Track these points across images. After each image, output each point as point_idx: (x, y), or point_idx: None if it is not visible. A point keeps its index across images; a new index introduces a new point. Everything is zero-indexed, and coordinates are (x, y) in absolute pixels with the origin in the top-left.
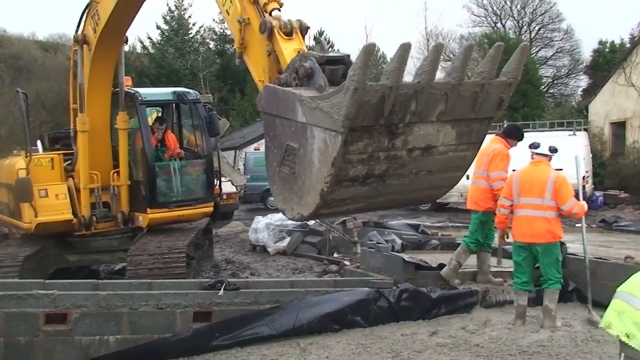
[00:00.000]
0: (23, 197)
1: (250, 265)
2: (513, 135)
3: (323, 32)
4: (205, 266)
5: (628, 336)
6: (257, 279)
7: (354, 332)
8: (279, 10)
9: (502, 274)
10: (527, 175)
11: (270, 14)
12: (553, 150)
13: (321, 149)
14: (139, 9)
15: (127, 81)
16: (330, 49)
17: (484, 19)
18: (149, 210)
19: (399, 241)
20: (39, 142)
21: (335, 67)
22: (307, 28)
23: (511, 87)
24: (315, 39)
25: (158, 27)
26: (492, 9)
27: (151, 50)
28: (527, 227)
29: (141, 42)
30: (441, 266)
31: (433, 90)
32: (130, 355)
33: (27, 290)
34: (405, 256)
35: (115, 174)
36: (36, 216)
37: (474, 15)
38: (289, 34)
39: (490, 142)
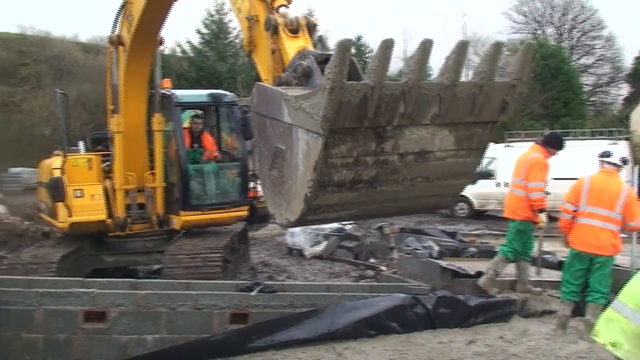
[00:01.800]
0: (56, 197)
1: (286, 269)
2: (553, 144)
3: (361, 37)
4: (242, 269)
5: (614, 345)
6: (294, 282)
7: (390, 338)
8: (287, 7)
9: (541, 284)
10: (599, 184)
11: (277, 11)
12: (624, 161)
13: (305, 151)
14: (169, 9)
15: (166, 83)
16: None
17: (524, 25)
18: (182, 212)
19: (436, 248)
20: (81, 143)
21: None
22: (315, 25)
23: (515, 89)
24: (318, 37)
25: (198, 32)
26: (532, 15)
27: (191, 54)
28: (594, 237)
29: (180, 46)
30: (479, 274)
31: (423, 91)
32: (167, 355)
33: (67, 288)
34: (443, 263)
35: (150, 176)
36: (70, 216)
37: (514, 22)
38: (294, 31)
39: (529, 150)
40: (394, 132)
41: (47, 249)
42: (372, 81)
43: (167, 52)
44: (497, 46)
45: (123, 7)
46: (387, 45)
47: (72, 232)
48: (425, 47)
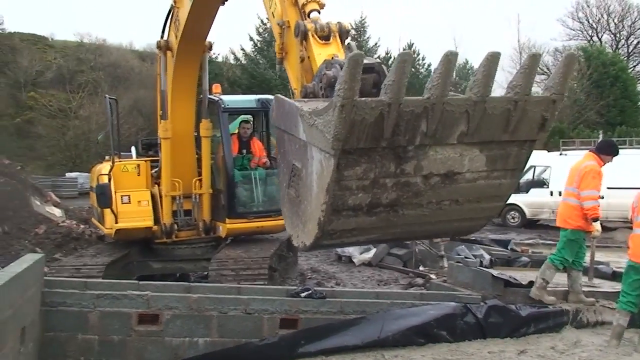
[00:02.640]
0: (102, 203)
1: (335, 275)
2: (607, 151)
3: (412, 44)
4: (291, 275)
5: None
6: (343, 288)
7: (439, 347)
8: (319, 12)
9: (594, 294)
10: None
11: (308, 16)
12: None
13: (318, 172)
14: (214, 13)
15: (216, 88)
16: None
17: (580, 32)
18: (227, 220)
19: (487, 257)
20: (133, 148)
21: (365, 75)
22: (348, 31)
23: (555, 104)
24: (347, 44)
25: (251, 39)
26: (588, 22)
27: (243, 61)
28: None
29: (233, 53)
30: (531, 284)
31: (449, 108)
32: (218, 358)
33: (122, 290)
34: (494, 272)
35: (197, 182)
36: (116, 222)
37: (569, 28)
38: (325, 38)
39: (583, 158)
40: (415, 152)
41: (94, 256)
42: (388, 97)
43: (219, 59)
44: (534, 58)
45: (171, 12)
46: (405, 59)
47: (118, 238)
48: (449, 59)
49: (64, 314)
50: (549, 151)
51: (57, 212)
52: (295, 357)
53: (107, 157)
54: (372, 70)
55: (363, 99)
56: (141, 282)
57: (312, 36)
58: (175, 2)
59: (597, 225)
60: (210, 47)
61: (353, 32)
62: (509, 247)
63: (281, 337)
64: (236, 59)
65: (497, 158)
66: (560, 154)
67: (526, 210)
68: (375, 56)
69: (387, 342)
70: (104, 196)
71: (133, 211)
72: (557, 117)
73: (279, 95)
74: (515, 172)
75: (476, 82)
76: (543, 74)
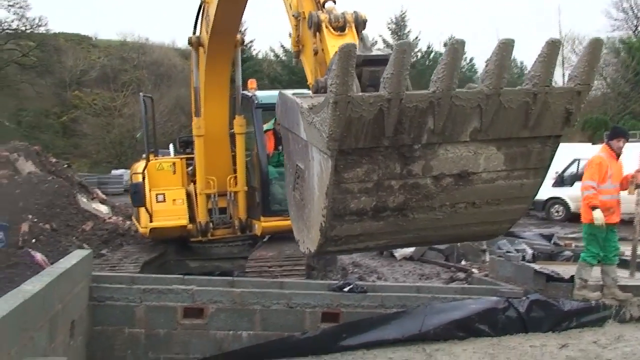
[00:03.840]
0: (136, 202)
1: (377, 270)
2: (612, 137)
3: (453, 36)
4: (333, 269)
5: None
6: (384, 283)
7: (480, 341)
8: (334, 2)
9: (629, 288)
10: None
11: (322, 7)
12: None
13: (319, 174)
14: (242, 7)
15: (251, 84)
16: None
17: (624, 22)
18: (262, 218)
19: (529, 251)
20: (171, 146)
21: (377, 68)
22: (365, 21)
23: (581, 96)
24: (360, 36)
25: (290, 35)
26: (633, 12)
27: (283, 58)
28: None
29: (273, 50)
30: (573, 278)
31: (458, 102)
32: (261, 351)
33: (168, 285)
34: (536, 266)
35: (232, 180)
36: (151, 221)
37: (613, 19)
38: (340, 29)
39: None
40: (423, 151)
41: (130, 256)
42: (387, 92)
43: (260, 55)
44: (554, 44)
45: (201, 8)
46: (403, 49)
47: (153, 237)
48: (456, 49)
49: (111, 309)
50: (593, 144)
51: (103, 208)
52: (337, 350)
53: (143, 155)
54: (384, 62)
55: (359, 94)
56: (186, 277)
57: (326, 27)
58: None
59: (596, 214)
60: (242, 42)
61: (393, 26)
62: (552, 241)
63: (323, 331)
64: (276, 55)
65: (517, 156)
66: (606, 144)
67: (570, 204)
68: (416, 50)
69: (429, 336)
70: (137, 195)
71: (168, 210)
72: (602, 109)
73: (283, 91)
74: (539, 171)
75: (488, 73)
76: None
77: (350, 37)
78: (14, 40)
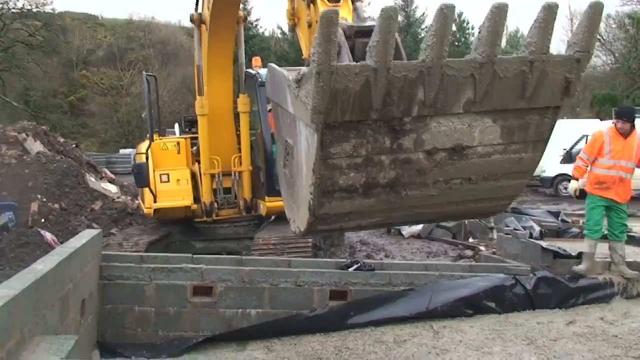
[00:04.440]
0: (139, 182)
1: (384, 248)
2: (616, 116)
3: (462, 13)
4: (340, 247)
5: None
6: (392, 261)
7: (488, 318)
8: None
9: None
10: None
11: None
12: None
13: (306, 149)
14: None
15: (255, 62)
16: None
17: None
18: (267, 198)
19: (537, 228)
20: (176, 125)
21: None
22: None
23: (580, 63)
24: (354, 6)
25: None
26: None
27: (290, 36)
28: None
29: (280, 27)
30: (580, 255)
31: (449, 72)
32: (270, 328)
33: (177, 264)
34: (544, 243)
35: (237, 159)
36: (155, 201)
37: None
38: (335, 0)
39: None
40: (414, 124)
41: (135, 236)
42: (373, 61)
43: (267, 33)
44: (550, 8)
45: None
46: (389, 15)
47: (157, 218)
48: (445, 14)
49: (121, 287)
50: (601, 119)
51: (112, 188)
52: (345, 327)
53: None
54: None
55: (344, 63)
56: (195, 256)
57: None
58: None
59: (571, 183)
60: (245, 19)
61: (400, 2)
62: (559, 218)
63: (331, 309)
64: (283, 33)
65: (515, 129)
66: (613, 123)
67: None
68: (423, 27)
69: (436, 313)
70: (140, 175)
71: (172, 190)
72: (610, 84)
73: (272, 64)
74: (538, 144)
75: (481, 40)
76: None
77: (346, 8)
78: (20, 20)
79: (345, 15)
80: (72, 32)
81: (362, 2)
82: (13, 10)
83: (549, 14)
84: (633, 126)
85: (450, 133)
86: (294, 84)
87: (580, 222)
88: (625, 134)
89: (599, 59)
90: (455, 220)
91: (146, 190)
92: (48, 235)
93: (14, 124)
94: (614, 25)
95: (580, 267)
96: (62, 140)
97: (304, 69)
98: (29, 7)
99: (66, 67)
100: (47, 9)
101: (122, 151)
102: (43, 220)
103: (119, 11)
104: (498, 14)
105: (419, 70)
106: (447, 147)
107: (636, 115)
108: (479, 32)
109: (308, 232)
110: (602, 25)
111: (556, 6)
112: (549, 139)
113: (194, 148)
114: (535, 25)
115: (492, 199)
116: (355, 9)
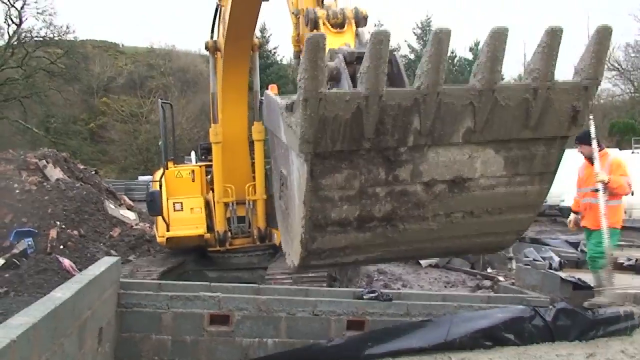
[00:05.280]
0: (152, 210)
1: (402, 277)
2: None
3: (479, 42)
4: (357, 277)
5: None
6: (410, 290)
7: (507, 350)
8: None
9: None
10: None
11: (322, 3)
12: None
13: (297, 180)
14: (256, 8)
15: (272, 89)
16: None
17: None
18: None
19: (556, 259)
20: (193, 153)
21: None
22: (366, 18)
23: (588, 91)
24: (356, 31)
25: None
26: None
27: None
28: None
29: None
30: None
31: (446, 100)
32: (287, 358)
33: (194, 292)
34: (563, 274)
35: (251, 188)
36: (168, 230)
37: None
38: (339, 25)
39: None
40: (410, 154)
41: (148, 265)
42: (364, 88)
43: (284, 61)
44: (554, 33)
45: (218, 11)
46: (380, 39)
47: (170, 246)
48: (441, 39)
49: (138, 315)
50: (620, 149)
51: (130, 215)
52: (362, 358)
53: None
54: None
55: (333, 90)
56: (212, 284)
57: (324, 24)
58: (220, 0)
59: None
60: (260, 46)
61: (418, 30)
62: (579, 249)
63: (348, 339)
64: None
65: (519, 160)
66: (632, 152)
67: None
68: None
69: (454, 345)
70: (153, 203)
71: (185, 218)
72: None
73: (268, 91)
74: (545, 177)
75: (480, 66)
76: (614, 69)
77: (350, 34)
78: (43, 48)
79: (349, 41)
80: (93, 59)
81: (364, 27)
82: (36, 38)
83: (553, 38)
84: (601, 149)
85: (449, 164)
86: (286, 111)
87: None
88: (591, 159)
89: (618, 88)
90: (458, 256)
91: (159, 218)
92: (66, 262)
93: (34, 151)
94: (633, 54)
95: (594, 301)
96: (82, 167)
97: (294, 96)
98: (51, 36)
99: (87, 95)
100: (69, 37)
101: (140, 178)
102: (62, 246)
103: (140, 39)
104: (497, 39)
105: (413, 97)
106: (446, 179)
107: (592, 136)
108: (478, 58)
109: (302, 267)
110: (621, 54)
111: (560, 30)
112: (556, 170)
113: (209, 176)
114: (539, 50)
115: (498, 234)
116: (357, 35)
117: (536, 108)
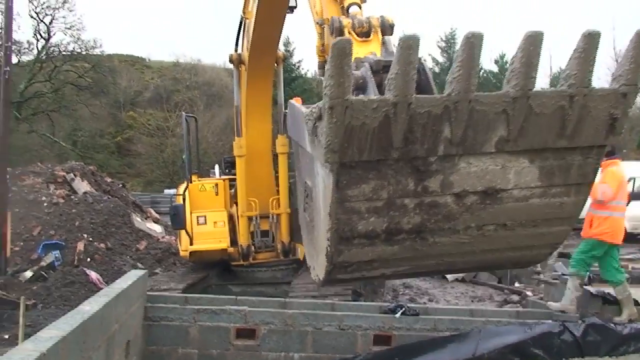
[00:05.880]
0: (176, 224)
1: (428, 291)
2: None
3: (504, 55)
4: (383, 291)
5: None
6: (437, 305)
7: None
8: (359, 7)
9: None
10: None
11: (347, 12)
12: None
13: (323, 191)
14: (280, 20)
15: (296, 102)
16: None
17: None
18: None
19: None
20: (216, 166)
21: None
22: (392, 26)
23: (627, 98)
24: (382, 40)
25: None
26: None
27: None
28: None
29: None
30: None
31: (479, 107)
32: None
33: (221, 305)
34: (592, 289)
35: (275, 202)
36: (191, 244)
37: None
38: (365, 34)
39: None
40: (440, 164)
41: (171, 280)
42: (393, 95)
43: (309, 74)
44: (592, 37)
45: (242, 24)
46: (409, 44)
47: (193, 260)
48: (472, 43)
49: (165, 328)
50: None
51: (157, 228)
52: None
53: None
54: None
55: (360, 97)
56: (239, 298)
57: (349, 33)
58: (244, 13)
59: None
60: (284, 59)
61: (443, 44)
62: None
63: (375, 354)
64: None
65: (555, 170)
66: None
67: (627, 224)
68: None
69: None
70: (177, 217)
71: (208, 232)
72: None
73: (292, 100)
74: (582, 188)
75: (514, 72)
76: None
77: (376, 43)
78: (70, 62)
79: (375, 50)
80: (119, 73)
81: (391, 36)
82: (64, 52)
83: (590, 42)
84: (610, 158)
85: (481, 174)
86: (311, 121)
87: (630, 267)
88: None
89: None
90: (489, 270)
91: (183, 232)
92: (93, 275)
93: (62, 164)
94: None
95: (622, 317)
96: (109, 180)
97: (319, 103)
98: (79, 50)
99: (113, 108)
100: (96, 51)
101: (166, 191)
102: (89, 259)
103: (166, 54)
104: (532, 43)
105: (444, 104)
106: (478, 190)
107: None
108: (512, 64)
109: (327, 281)
110: None
111: (598, 35)
112: (593, 181)
113: (233, 190)
114: (575, 55)
115: (532, 247)
116: (383, 43)
117: (572, 116)
